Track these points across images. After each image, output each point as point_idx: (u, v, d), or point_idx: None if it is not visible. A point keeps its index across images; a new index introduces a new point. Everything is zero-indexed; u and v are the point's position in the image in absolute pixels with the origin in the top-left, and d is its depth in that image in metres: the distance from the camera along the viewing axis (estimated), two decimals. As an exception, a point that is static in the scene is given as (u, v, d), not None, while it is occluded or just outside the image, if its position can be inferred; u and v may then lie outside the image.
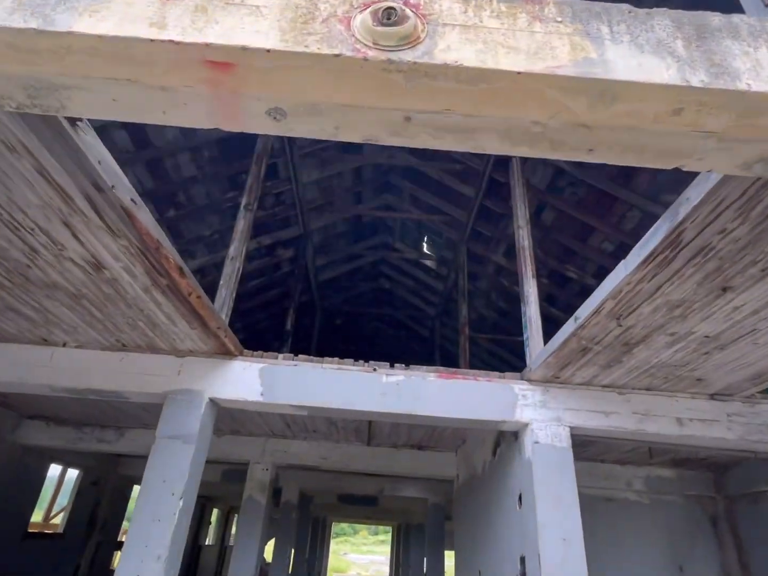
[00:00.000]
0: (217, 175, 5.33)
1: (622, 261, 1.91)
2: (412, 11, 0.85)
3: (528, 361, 3.20)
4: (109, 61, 0.86)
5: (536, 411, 2.96)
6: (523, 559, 2.82)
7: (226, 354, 3.06)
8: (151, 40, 0.82)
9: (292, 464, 5.61)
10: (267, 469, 5.50)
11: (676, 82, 0.84)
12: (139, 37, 0.82)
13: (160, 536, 2.58)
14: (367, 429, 4.85)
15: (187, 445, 2.76)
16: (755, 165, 1.00)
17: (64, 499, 7.94)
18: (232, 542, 16.17)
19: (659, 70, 0.85)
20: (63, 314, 2.65)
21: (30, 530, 6.74)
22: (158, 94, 0.93)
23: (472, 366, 5.40)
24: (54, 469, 7.40)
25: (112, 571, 7.79)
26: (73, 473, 7.73)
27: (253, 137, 4.38)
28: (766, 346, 2.34)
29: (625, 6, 0.93)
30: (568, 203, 5.24)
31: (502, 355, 8.80)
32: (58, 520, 7.85)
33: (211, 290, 3.21)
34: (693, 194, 1.48)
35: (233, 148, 5.07)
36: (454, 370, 3.10)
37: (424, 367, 3.11)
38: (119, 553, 6.69)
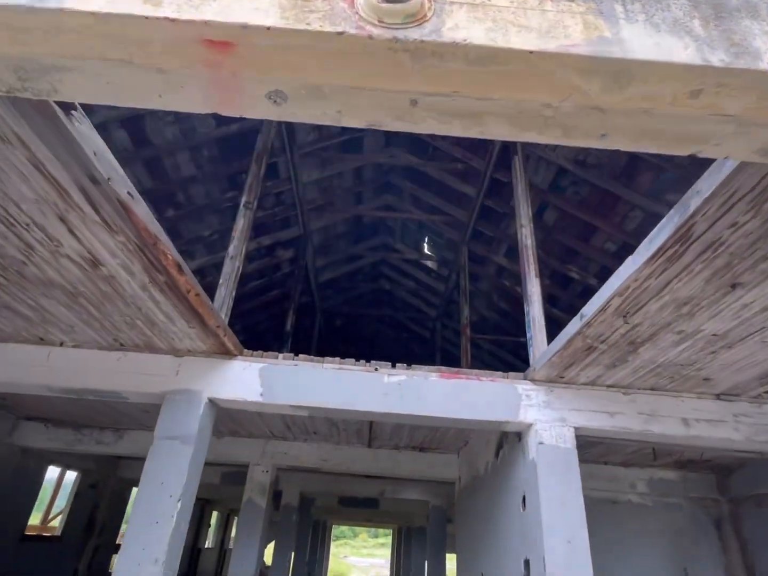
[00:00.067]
0: (217, 175, 5.30)
1: (630, 256, 1.87)
2: (419, -12, 0.82)
3: (531, 361, 3.16)
4: (101, 40, 0.82)
5: (540, 411, 2.91)
6: (527, 562, 2.77)
7: (226, 353, 3.02)
8: (146, 18, 0.79)
9: (292, 466, 5.56)
10: (267, 471, 5.45)
11: (696, 62, 0.80)
12: (133, 14, 0.78)
13: (158, 539, 2.53)
14: (368, 430, 4.80)
15: (186, 446, 2.72)
16: (774, 151, 0.96)
17: (62, 501, 7.88)
18: (231, 545, 16.08)
19: (677, 50, 0.81)
20: (60, 313, 2.61)
21: (28, 533, 6.68)
22: (154, 76, 0.89)
23: (474, 367, 5.35)
24: (53, 472, 7.37)
25: (110, 575, 7.73)
26: (71, 475, 7.67)
27: (253, 135, 4.34)
28: (775, 344, 2.29)
29: (639, -16, 0.90)
30: (570, 203, 5.21)
31: (504, 356, 8.75)
32: (56, 522, 7.79)
33: (210, 291, 3.16)
34: (704, 186, 1.44)
35: (233, 147, 5.04)
36: (456, 369, 3.06)
37: (426, 366, 3.07)
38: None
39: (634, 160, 4.36)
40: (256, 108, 0.94)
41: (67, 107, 1.25)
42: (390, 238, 8.54)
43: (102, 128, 4.09)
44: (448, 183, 6.27)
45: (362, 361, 3.07)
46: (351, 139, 5.95)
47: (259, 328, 9.09)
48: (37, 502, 6.79)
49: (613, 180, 4.63)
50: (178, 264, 2.03)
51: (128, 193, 1.60)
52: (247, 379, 2.97)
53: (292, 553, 8.94)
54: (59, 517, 7.70)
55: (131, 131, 4.38)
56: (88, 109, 3.94)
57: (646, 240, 1.75)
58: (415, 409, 2.89)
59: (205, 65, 0.85)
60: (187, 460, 2.69)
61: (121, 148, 4.49)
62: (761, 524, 4.75)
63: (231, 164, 5.24)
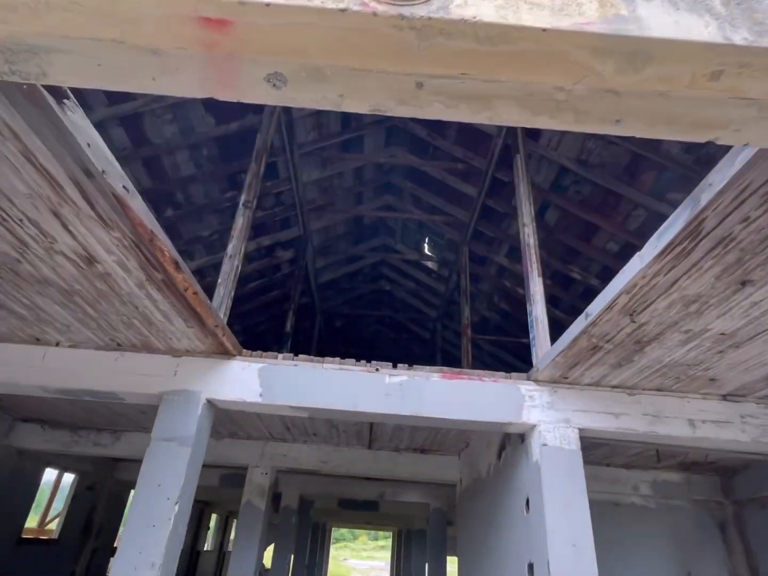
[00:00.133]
0: (216, 174, 5.26)
1: (637, 253, 1.83)
2: (426, -38, 0.78)
3: (534, 361, 3.11)
4: (92, 18, 0.78)
5: (544, 412, 2.87)
6: (531, 566, 2.72)
7: (224, 353, 2.97)
8: (138, -8, 0.75)
9: (291, 468, 5.50)
10: (266, 474, 5.39)
11: (718, 40, 0.76)
12: (125, -11, 0.74)
13: (155, 543, 2.48)
14: (369, 432, 4.75)
15: (183, 447, 2.67)
16: (797, 137, 0.92)
17: (60, 504, 7.82)
18: (230, 548, 16.00)
19: (698, 28, 0.77)
20: (55, 312, 2.57)
21: (24, 536, 6.62)
22: (147, 57, 0.85)
23: (474, 369, 5.31)
24: (50, 474, 7.31)
25: (109, 578, 7.66)
26: (69, 478, 7.61)
27: (253, 135, 4.30)
28: (784, 343, 2.25)
29: (656, -38, 0.86)
30: (572, 202, 5.17)
31: (504, 357, 8.71)
32: (53, 525, 7.73)
33: (210, 292, 3.12)
34: (716, 179, 1.40)
35: (233, 147, 5.00)
36: (458, 370, 3.02)
37: (428, 367, 3.02)
38: (115, 559, 6.52)
39: (637, 158, 4.32)
40: (255, 92, 0.90)
41: (59, 96, 1.21)
42: (390, 238, 8.50)
43: (100, 127, 4.05)
44: (449, 183, 6.23)
45: (363, 362, 3.02)
46: (351, 139, 5.92)
47: (258, 329, 9.04)
48: (34, 505, 6.74)
49: (615, 179, 4.59)
50: (176, 261, 1.99)
51: (123, 187, 1.55)
52: (246, 380, 2.92)
53: (292, 556, 8.88)
54: (56, 520, 7.64)
55: (130, 130, 4.34)
56: (86, 107, 3.91)
57: (654, 236, 1.71)
58: (416, 410, 2.84)
59: (201, 45, 0.81)
60: (185, 461, 2.64)
61: (119, 147, 4.45)
62: (766, 527, 4.70)
63: (230, 164, 5.20)
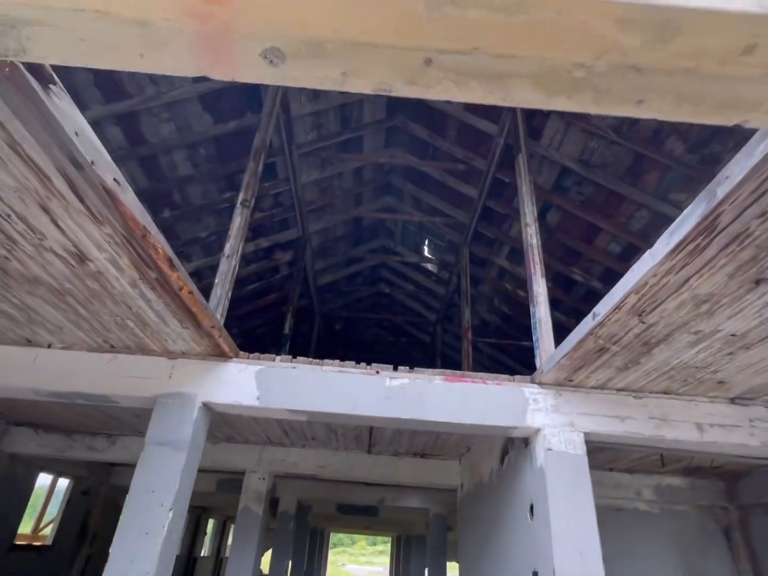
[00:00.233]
0: (214, 174, 5.20)
1: (648, 251, 1.77)
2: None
3: (538, 364, 3.04)
4: (72, -16, 0.72)
5: (548, 416, 2.80)
6: (535, 574, 2.65)
7: (221, 355, 2.90)
8: (122, -44, 0.68)
9: (289, 473, 5.42)
10: (263, 479, 5.31)
11: (752, 9, 0.70)
12: (108, -48, 0.68)
13: (148, 551, 2.40)
14: (368, 436, 4.67)
15: (178, 452, 2.59)
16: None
17: (55, 509, 7.70)
18: (228, 553, 15.83)
19: (731, -3, 0.71)
20: (47, 312, 2.49)
21: (17, 542, 6.50)
22: (133, 30, 0.78)
23: (475, 372, 5.24)
24: (45, 479, 7.19)
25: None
26: (64, 482, 7.50)
27: (251, 134, 4.24)
28: (797, 345, 2.19)
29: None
30: (574, 203, 5.12)
31: (505, 360, 8.64)
32: (47, 531, 7.61)
33: (207, 294, 3.06)
34: (734, 171, 1.34)
35: (231, 147, 4.95)
36: (461, 373, 2.95)
37: (430, 369, 2.95)
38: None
39: (640, 158, 4.27)
40: (250, 69, 0.83)
41: (44, 80, 1.14)
42: (390, 240, 8.44)
43: (95, 125, 3.99)
44: (449, 184, 6.18)
45: (363, 364, 2.95)
46: (351, 139, 5.87)
47: (256, 332, 8.96)
48: (28, 510, 6.63)
49: (617, 179, 4.54)
50: (170, 259, 1.92)
51: (114, 179, 1.49)
52: (243, 383, 2.85)
53: (290, 562, 8.77)
54: (51, 526, 7.52)
55: (126, 129, 4.28)
56: (82, 106, 3.84)
57: (666, 232, 1.64)
58: (417, 414, 2.77)
59: (191, 16, 0.75)
60: (180, 467, 2.56)
61: (115, 146, 4.39)
62: (771, 533, 4.63)
63: (229, 164, 5.14)
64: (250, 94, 4.62)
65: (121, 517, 2.46)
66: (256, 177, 3.74)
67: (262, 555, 6.38)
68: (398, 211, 7.34)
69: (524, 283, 6.61)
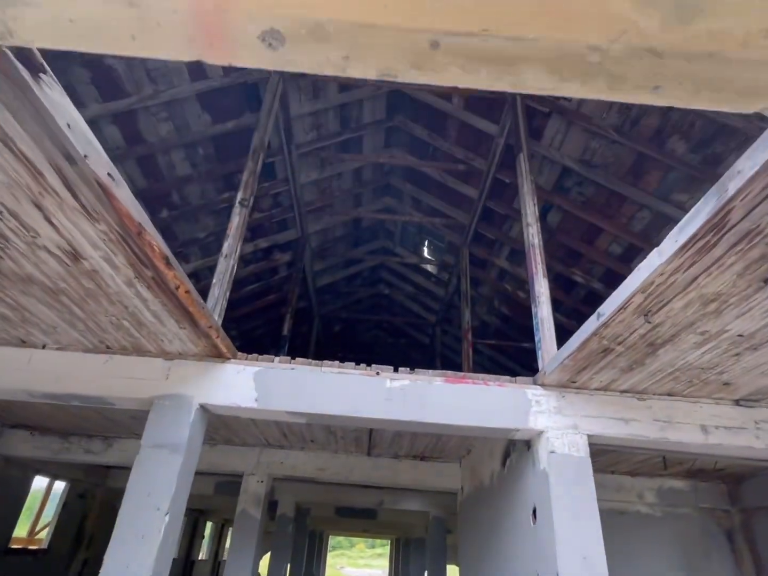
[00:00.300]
0: (213, 174, 5.16)
1: (655, 249, 1.73)
2: None
3: (540, 365, 3.00)
4: (59, -40, 0.68)
5: (551, 418, 2.75)
6: (538, 579, 2.60)
7: (218, 356, 2.85)
8: (112, -72, 0.65)
9: (288, 476, 5.36)
10: (262, 481, 5.25)
11: (779, -12, 0.67)
12: (96, -76, 0.64)
13: (144, 555, 2.35)
14: (368, 438, 4.62)
15: (175, 454, 2.55)
16: None
17: (51, 512, 7.62)
18: (226, 557, 15.74)
19: (755, -26, 0.67)
20: (41, 312, 2.45)
21: (13, 546, 6.43)
22: (125, 11, 0.74)
23: (475, 373, 5.20)
24: (42, 482, 7.13)
25: (100, 589, 7.44)
26: (60, 485, 7.43)
27: (250, 134, 4.20)
28: (805, 345, 2.15)
29: None
30: (575, 204, 5.09)
31: (505, 362, 8.60)
32: (44, 534, 7.53)
33: (206, 295, 3.01)
34: (746, 166, 1.30)
35: (229, 146, 4.91)
36: (462, 374, 2.90)
37: (431, 371, 2.91)
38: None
39: (641, 158, 4.24)
40: (248, 53, 0.80)
41: (34, 68, 1.10)
42: (390, 241, 8.40)
43: (93, 124, 3.95)
44: (449, 184, 6.15)
45: (363, 365, 2.91)
46: (350, 139, 5.83)
47: (255, 334, 8.91)
48: (25, 513, 6.56)
49: (619, 180, 4.51)
50: (166, 257, 1.88)
51: (108, 174, 1.44)
52: (241, 384, 2.80)
53: (288, 565, 8.71)
54: (47, 529, 7.44)
55: (124, 128, 4.24)
56: (78, 104, 3.80)
57: (675, 229, 1.60)
58: (418, 416, 2.73)
59: (186, -5, 0.71)
60: (176, 470, 2.51)
61: (113, 145, 4.34)
62: (774, 536, 4.59)
63: (227, 163, 5.10)
64: (249, 94, 4.59)
65: (117, 521, 2.41)
66: (254, 176, 3.70)
67: (261, 558, 6.32)
68: (398, 211, 7.31)
69: (524, 284, 6.58)
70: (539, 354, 3.10)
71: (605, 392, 2.85)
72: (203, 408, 2.76)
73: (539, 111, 4.49)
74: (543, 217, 5.38)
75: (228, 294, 3.24)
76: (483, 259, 6.92)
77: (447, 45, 0.76)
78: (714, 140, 3.73)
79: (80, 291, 2.18)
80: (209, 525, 15.92)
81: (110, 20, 0.76)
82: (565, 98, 4.23)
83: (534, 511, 2.76)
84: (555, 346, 3.06)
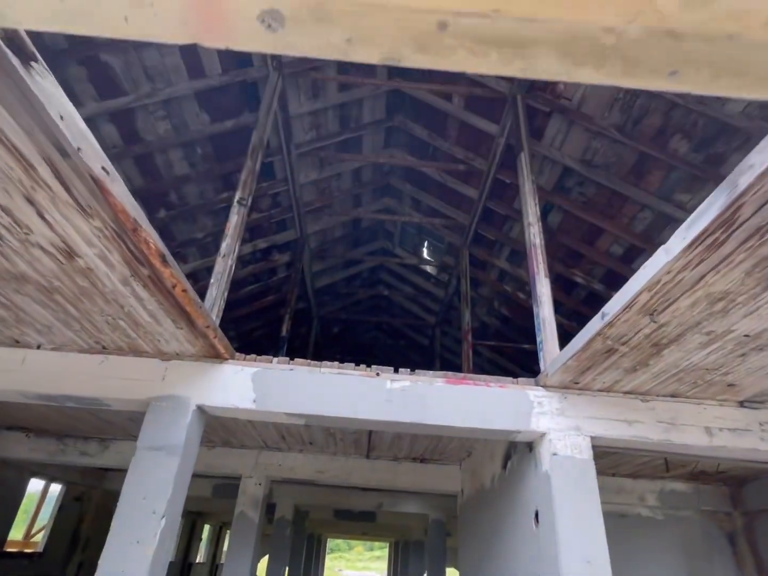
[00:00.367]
0: (211, 174, 5.12)
1: (662, 246, 1.69)
2: None
3: (543, 366, 2.97)
4: (46, -68, 0.64)
5: (553, 419, 2.72)
6: (541, 584, 2.56)
7: (216, 357, 2.81)
8: None
9: (286, 478, 5.31)
10: (260, 484, 5.20)
11: (806, -36, 0.63)
12: None
13: (140, 560, 2.31)
14: (367, 440, 4.58)
15: (171, 457, 2.50)
16: None
17: (47, 515, 7.55)
18: (223, 560, 15.65)
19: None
20: (35, 312, 2.40)
21: (8, 549, 6.36)
22: (117, -11, 0.71)
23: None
24: (37, 484, 7.06)
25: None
26: (56, 488, 7.36)
27: (249, 133, 4.17)
28: (812, 346, 2.12)
29: None
30: (576, 204, 5.06)
31: (504, 364, 8.57)
32: (39, 537, 7.46)
33: (204, 296, 2.97)
34: (758, 160, 1.27)
35: (228, 146, 4.87)
36: (463, 375, 2.87)
37: (431, 372, 2.87)
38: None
39: (643, 158, 4.22)
40: (245, 35, 0.76)
41: (24, 56, 1.06)
42: (389, 242, 8.37)
43: (90, 122, 3.91)
44: (449, 184, 6.12)
45: (363, 366, 2.87)
46: (350, 139, 5.80)
47: (253, 335, 8.86)
48: (20, 516, 6.49)
49: (620, 180, 4.48)
50: (162, 254, 1.84)
51: (102, 168, 1.41)
52: (239, 385, 2.76)
53: (286, 568, 8.64)
54: (42, 532, 7.38)
55: (121, 126, 4.20)
56: (76, 103, 3.77)
57: (683, 226, 1.57)
58: (419, 418, 2.69)
59: (180, -29, 0.67)
60: (173, 472, 2.47)
61: (110, 144, 4.31)
62: (777, 539, 4.55)
63: (226, 163, 5.06)
64: (248, 92, 4.55)
65: (112, 525, 2.37)
66: (253, 175, 3.67)
67: (259, 561, 6.27)
68: (397, 212, 7.28)
69: (525, 286, 6.55)
70: (541, 355, 3.07)
71: (608, 393, 2.82)
72: (200, 409, 2.71)
73: (540, 110, 4.46)
74: (543, 217, 5.35)
75: (226, 294, 3.20)
76: (483, 260, 6.89)
77: (455, 26, 0.72)
78: (716, 139, 3.71)
79: (75, 290, 2.14)
80: (207, 527, 15.83)
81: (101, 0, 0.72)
82: (565, 97, 4.20)
83: (536, 515, 2.72)
84: (557, 347, 3.02)
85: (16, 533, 6.75)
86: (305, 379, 2.77)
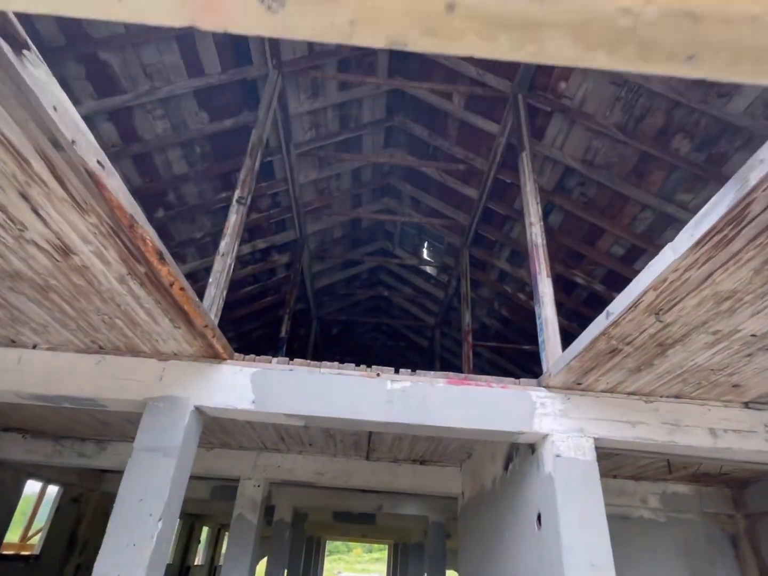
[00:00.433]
0: (210, 174, 5.08)
1: (669, 244, 1.66)
2: None
3: (545, 367, 2.93)
4: None
5: (556, 421, 2.68)
6: (544, 588, 2.52)
7: (214, 357, 2.77)
8: None
9: (285, 480, 5.27)
10: (259, 486, 5.16)
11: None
12: None
13: (136, 563, 2.27)
14: (367, 442, 4.54)
15: (169, 458, 2.46)
16: None
17: (44, 517, 7.50)
18: (222, 562, 15.57)
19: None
20: (31, 311, 2.37)
21: (4, 551, 6.31)
22: (109, -33, 0.67)
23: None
24: (35, 486, 7.00)
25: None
26: (53, 490, 7.31)
27: (248, 133, 4.14)
28: (820, 345, 2.09)
29: None
30: (577, 204, 5.03)
31: (504, 365, 8.53)
32: (36, 540, 7.40)
33: (202, 296, 2.94)
34: (769, 154, 1.24)
35: (227, 145, 4.84)
36: (464, 375, 2.83)
37: (432, 372, 2.84)
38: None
39: (645, 158, 4.19)
40: (245, 17, 0.72)
41: (16, 44, 1.03)
42: (389, 242, 8.34)
43: (88, 121, 3.88)
44: (449, 185, 6.09)
45: (363, 366, 2.83)
46: (349, 139, 5.77)
47: (252, 336, 8.82)
48: (17, 518, 6.43)
49: (622, 180, 4.46)
50: (160, 252, 1.80)
51: (98, 161, 1.37)
52: (238, 386, 2.72)
53: (285, 570, 8.59)
54: (39, 534, 7.32)
55: (119, 125, 4.17)
56: (74, 102, 3.73)
57: (691, 223, 1.54)
58: (420, 419, 2.65)
59: (176, -53, 0.64)
60: (170, 474, 2.43)
61: (108, 143, 4.27)
62: (780, 541, 4.52)
63: (225, 163, 5.03)
64: (247, 91, 4.53)
65: (108, 528, 2.33)
66: (252, 174, 3.64)
67: (257, 563, 6.22)
68: (397, 212, 7.25)
69: (525, 286, 6.52)
70: (543, 355, 3.03)
71: (612, 394, 2.78)
72: (198, 410, 2.68)
73: (541, 110, 4.44)
74: (544, 217, 5.31)
75: (225, 294, 3.16)
76: (483, 261, 6.86)
77: (464, 8, 0.69)
78: (719, 139, 3.68)
79: (71, 288, 2.11)
80: (205, 530, 15.76)
81: (93, -22, 0.69)
82: (567, 96, 4.18)
83: (539, 517, 2.69)
84: (560, 348, 2.99)
85: (12, 535, 6.69)
86: (305, 380, 2.74)
